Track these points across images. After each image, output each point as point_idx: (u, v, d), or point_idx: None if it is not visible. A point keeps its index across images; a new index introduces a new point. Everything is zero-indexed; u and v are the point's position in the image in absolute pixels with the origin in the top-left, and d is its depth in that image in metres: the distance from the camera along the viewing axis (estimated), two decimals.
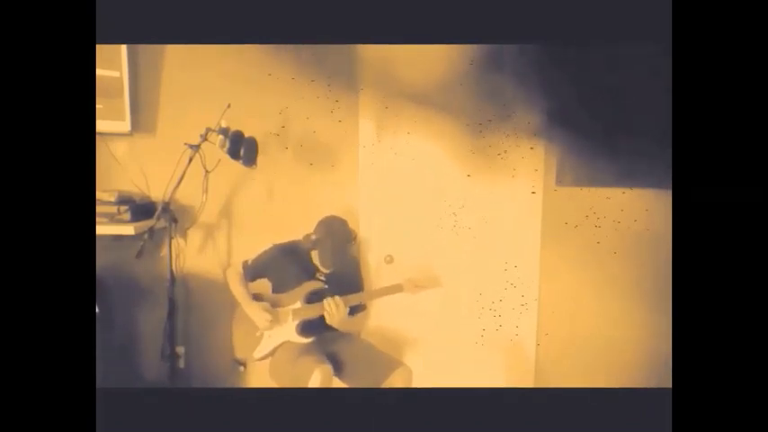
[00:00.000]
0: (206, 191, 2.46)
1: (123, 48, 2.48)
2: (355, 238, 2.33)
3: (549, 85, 2.47)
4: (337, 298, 2.23)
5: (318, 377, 2.06)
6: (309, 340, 2.30)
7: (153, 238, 2.33)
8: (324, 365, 2.11)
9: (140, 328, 2.69)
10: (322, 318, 2.27)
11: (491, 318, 2.69)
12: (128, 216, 2.42)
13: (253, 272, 2.39)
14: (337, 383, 2.28)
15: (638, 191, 2.46)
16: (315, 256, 2.33)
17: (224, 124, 2.28)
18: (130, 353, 2.68)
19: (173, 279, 2.44)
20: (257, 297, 2.38)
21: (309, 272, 2.35)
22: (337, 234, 2.28)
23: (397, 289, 2.30)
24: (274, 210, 2.66)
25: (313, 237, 2.28)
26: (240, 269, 2.39)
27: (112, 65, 2.48)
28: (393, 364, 2.24)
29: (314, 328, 2.32)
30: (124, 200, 2.47)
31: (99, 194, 2.41)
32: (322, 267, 2.32)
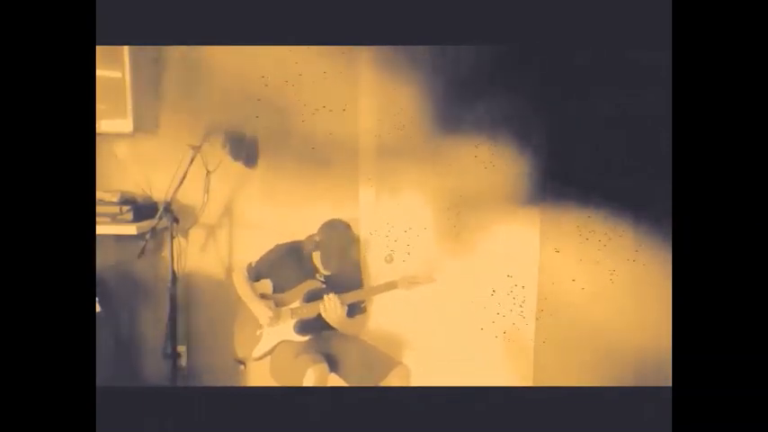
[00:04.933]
0: (207, 191, 2.47)
1: (125, 49, 2.49)
2: (357, 242, 2.34)
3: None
4: (333, 296, 2.24)
5: (312, 376, 2.07)
6: (306, 339, 2.31)
7: (155, 238, 2.34)
8: (318, 364, 2.12)
9: (142, 328, 2.70)
10: (320, 317, 2.28)
11: (490, 317, 2.69)
12: (130, 216, 2.43)
13: (256, 272, 2.40)
14: (336, 382, 2.29)
15: (638, 189, 2.45)
16: (316, 257, 2.34)
17: (225, 125, 2.29)
18: (132, 352, 2.69)
19: (174, 278, 2.45)
20: (263, 296, 2.39)
21: (309, 272, 2.36)
22: (340, 238, 2.29)
23: (391, 286, 2.30)
24: (275, 210, 2.66)
25: (316, 238, 2.29)
26: (245, 270, 2.40)
27: (114, 66, 2.49)
28: (391, 363, 2.25)
29: (311, 326, 2.33)
30: (126, 200, 2.48)
31: (101, 195, 2.42)
32: (323, 270, 2.33)
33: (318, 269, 2.36)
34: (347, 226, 2.33)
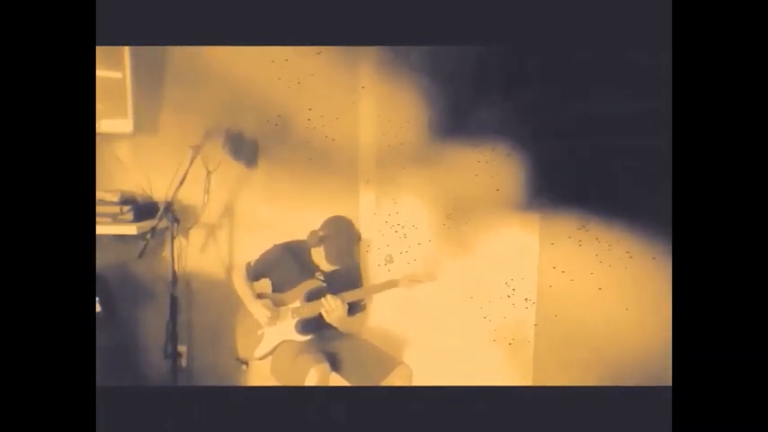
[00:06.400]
0: (208, 191, 2.47)
1: (126, 49, 2.49)
2: (360, 238, 2.34)
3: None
4: (334, 296, 2.24)
5: (315, 375, 2.07)
6: (308, 338, 2.31)
7: (155, 238, 2.35)
8: (321, 364, 2.12)
9: (142, 327, 2.70)
10: (321, 316, 2.28)
11: (490, 316, 2.69)
12: (130, 216, 2.44)
13: (255, 272, 2.40)
14: (338, 381, 2.29)
15: (638, 189, 2.45)
16: (316, 254, 2.33)
17: (225, 125, 2.29)
18: (132, 352, 2.70)
19: (175, 278, 2.45)
20: (260, 296, 2.39)
21: (309, 271, 2.36)
22: (345, 232, 2.29)
23: (392, 284, 2.30)
24: (275, 210, 2.67)
25: (321, 233, 2.28)
26: (244, 269, 2.40)
27: (115, 66, 2.49)
28: (393, 362, 2.25)
29: (312, 325, 2.33)
30: (127, 200, 2.48)
31: (102, 195, 2.43)
32: (327, 264, 2.32)
33: (319, 267, 2.35)
34: (351, 222, 2.33)
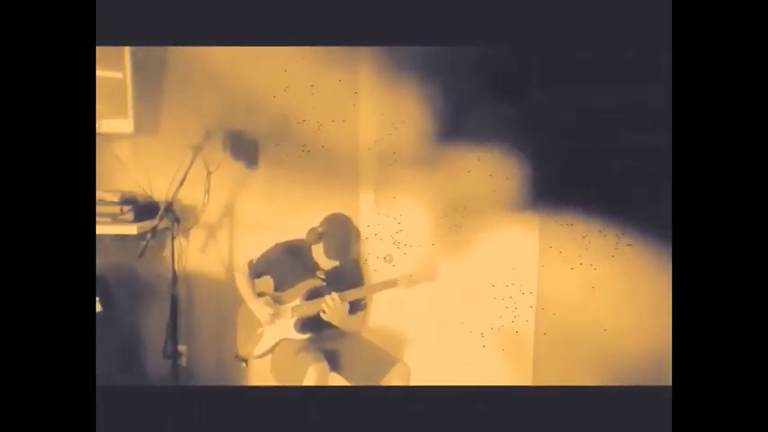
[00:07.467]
0: (208, 191, 2.47)
1: (126, 49, 2.49)
2: (359, 236, 2.34)
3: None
4: (335, 295, 2.24)
5: (313, 375, 2.08)
6: (306, 337, 2.31)
7: (155, 238, 2.35)
8: (319, 363, 2.12)
9: (143, 327, 2.70)
10: (320, 314, 2.28)
11: (489, 315, 2.69)
12: (131, 216, 2.44)
13: (256, 270, 2.41)
14: (337, 380, 2.29)
15: (638, 189, 2.46)
16: (316, 252, 2.34)
17: (225, 126, 2.30)
18: (133, 351, 2.70)
19: (175, 278, 2.45)
20: (260, 295, 2.40)
21: (310, 270, 2.36)
22: (344, 229, 2.30)
23: (392, 284, 2.30)
24: (275, 210, 2.67)
25: (320, 229, 2.29)
26: (246, 268, 2.41)
27: (115, 66, 2.50)
28: (391, 360, 2.26)
29: (312, 324, 2.33)
30: (127, 200, 2.48)
31: (102, 195, 2.43)
32: (326, 260, 2.32)
33: (319, 265, 2.36)
34: (350, 219, 2.34)
